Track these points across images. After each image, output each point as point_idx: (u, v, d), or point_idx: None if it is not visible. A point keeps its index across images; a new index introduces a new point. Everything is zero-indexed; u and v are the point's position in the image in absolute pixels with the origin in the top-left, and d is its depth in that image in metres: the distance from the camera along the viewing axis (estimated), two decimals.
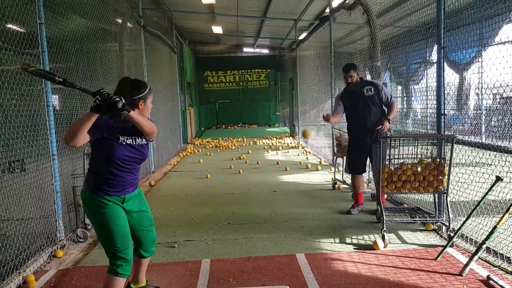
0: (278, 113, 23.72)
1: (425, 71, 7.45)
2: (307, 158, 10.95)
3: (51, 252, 4.26)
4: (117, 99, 2.41)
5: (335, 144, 6.78)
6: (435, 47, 4.80)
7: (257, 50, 23.13)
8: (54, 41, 4.72)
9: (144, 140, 2.86)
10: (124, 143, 2.76)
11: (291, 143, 14.99)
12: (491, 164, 4.60)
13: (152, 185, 7.94)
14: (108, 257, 2.81)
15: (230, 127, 22.89)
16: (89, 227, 4.93)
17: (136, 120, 2.62)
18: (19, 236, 4.02)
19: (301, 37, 15.65)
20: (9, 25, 4.11)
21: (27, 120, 4.24)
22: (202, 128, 21.60)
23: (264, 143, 15.19)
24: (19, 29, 4.17)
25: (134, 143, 2.81)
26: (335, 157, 7.03)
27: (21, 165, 4.99)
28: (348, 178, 7.09)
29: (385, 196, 5.48)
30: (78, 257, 4.31)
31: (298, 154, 11.89)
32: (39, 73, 2.50)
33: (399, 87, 10.26)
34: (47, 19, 4.40)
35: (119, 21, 7.85)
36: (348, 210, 5.49)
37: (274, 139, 16.43)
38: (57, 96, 5.97)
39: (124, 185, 2.81)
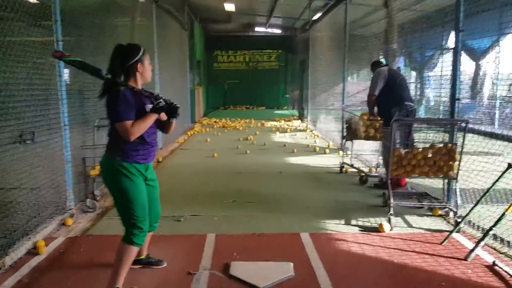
0: (287, 96, 23.56)
1: (441, 58, 7.34)
2: (315, 141, 10.93)
3: (61, 220, 4.33)
4: (177, 105, 2.84)
5: (345, 127, 6.73)
6: (452, 34, 4.71)
7: (269, 30, 22.79)
8: (67, 13, 4.69)
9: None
10: (148, 110, 2.83)
11: (299, 126, 14.95)
12: (502, 153, 4.57)
13: (159, 161, 7.97)
14: (125, 226, 2.86)
15: (238, 108, 22.82)
16: (98, 198, 4.98)
17: (173, 125, 3.01)
18: (30, 203, 4.08)
19: (315, 17, 15.42)
20: None
21: (39, 92, 4.26)
22: (210, 108, 21.57)
23: (272, 125, 15.16)
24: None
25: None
26: (344, 141, 7.01)
27: (32, 135, 5.03)
28: (356, 162, 7.08)
29: (406, 180, 5.45)
30: (86, 226, 4.37)
31: (306, 137, 11.86)
32: (79, 64, 2.72)
33: (413, 73, 10.13)
34: None
35: None
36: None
37: (283, 121, 16.39)
38: (67, 69, 5.98)
39: (151, 151, 2.93)
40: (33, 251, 3.63)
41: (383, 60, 6.31)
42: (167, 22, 10.83)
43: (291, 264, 3.40)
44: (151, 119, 2.79)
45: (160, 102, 2.78)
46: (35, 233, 3.85)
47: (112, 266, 2.88)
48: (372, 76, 5.78)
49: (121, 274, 2.82)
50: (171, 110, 2.84)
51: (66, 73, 4.58)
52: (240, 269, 3.33)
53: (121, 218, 2.90)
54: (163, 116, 2.92)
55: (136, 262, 3.25)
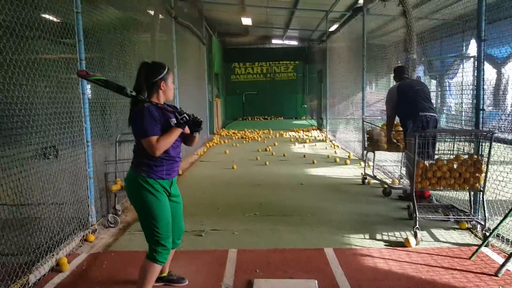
0: (305, 106, 23.52)
1: (461, 65, 7.22)
2: (335, 152, 10.83)
3: (83, 236, 4.36)
4: (201, 119, 2.90)
5: (365, 138, 6.65)
6: (472, 41, 4.62)
7: (286, 41, 22.91)
8: (89, 31, 4.78)
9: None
10: (173, 124, 2.86)
11: (318, 136, 14.86)
12: None
13: (179, 174, 8.00)
14: (149, 243, 2.86)
15: (256, 119, 22.86)
16: (119, 212, 5.01)
17: (196, 139, 3.06)
18: (53, 220, 4.11)
19: (332, 28, 15.41)
20: (46, 15, 4.18)
21: (63, 108, 4.32)
22: (229, 119, 21.65)
23: (290, 135, 15.11)
24: (55, 19, 4.25)
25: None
26: (365, 152, 6.92)
27: (55, 151, 5.10)
28: (378, 173, 6.98)
29: (430, 192, 5.35)
30: (108, 241, 4.39)
31: (326, 148, 11.77)
32: (103, 83, 2.79)
33: (433, 81, 9.99)
34: (83, 9, 4.45)
35: (151, 12, 7.90)
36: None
37: (301, 131, 16.32)
38: (89, 85, 6.08)
39: (175, 165, 2.95)
40: (56, 268, 3.66)
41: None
42: (186, 37, 10.97)
43: (315, 281, 3.34)
44: (176, 133, 2.82)
45: (184, 116, 2.83)
46: (58, 250, 3.88)
47: (135, 283, 2.87)
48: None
49: None
50: (195, 124, 2.90)
51: (89, 89, 4.65)
52: (263, 287, 3.28)
53: (145, 235, 2.89)
54: (186, 130, 2.95)
55: (158, 279, 3.23)
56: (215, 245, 4.25)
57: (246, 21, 16.77)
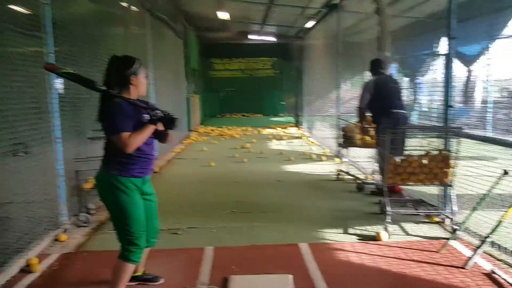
0: (283, 103, 23.58)
1: (433, 63, 7.35)
2: (311, 148, 10.91)
3: (55, 236, 4.27)
4: (175, 116, 2.81)
5: (340, 135, 6.72)
6: (444, 39, 4.72)
7: (264, 37, 22.85)
8: (59, 23, 4.65)
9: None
10: (145, 120, 2.80)
11: (295, 133, 14.94)
12: (497, 158, 4.56)
13: (156, 171, 7.92)
14: (121, 242, 2.81)
15: (235, 116, 22.81)
16: (92, 211, 4.93)
17: (171, 135, 2.96)
18: (22, 219, 4.02)
19: (309, 25, 15.47)
20: (14, 6, 4.07)
21: (31, 104, 4.21)
22: (207, 116, 21.55)
23: (269, 132, 15.14)
24: (22, 10, 4.13)
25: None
26: (340, 148, 6.99)
27: (25, 148, 4.97)
28: (352, 169, 7.06)
29: (401, 187, 5.45)
30: (81, 241, 4.31)
31: (303, 145, 11.85)
32: (72, 76, 2.70)
33: (406, 79, 10.16)
34: (52, 0, 4.33)
35: (125, 4, 7.76)
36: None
37: (279, 128, 16.38)
38: (62, 79, 5.94)
39: (149, 163, 2.88)
40: (26, 269, 3.56)
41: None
42: (162, 31, 10.82)
43: (291, 276, 3.36)
44: (149, 130, 2.75)
45: (158, 113, 2.76)
46: (28, 250, 3.79)
47: (108, 284, 2.84)
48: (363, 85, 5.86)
49: None
50: (169, 121, 2.82)
51: (58, 83, 4.54)
52: (239, 283, 3.28)
53: (117, 234, 2.84)
54: (160, 127, 2.88)
55: (132, 279, 3.19)
56: (192, 243, 4.23)
57: (223, 15, 16.66)
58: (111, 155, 2.79)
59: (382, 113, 5.35)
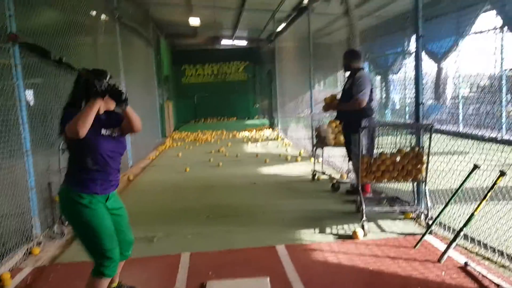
0: (257, 106, 23.66)
1: (403, 62, 7.51)
2: (286, 149, 10.96)
3: (27, 249, 4.15)
4: (122, 89, 2.49)
5: (314, 135, 6.78)
6: (413, 38, 4.81)
7: (236, 42, 22.89)
8: (24, 34, 4.54)
9: (119, 132, 2.77)
10: (107, 135, 2.67)
11: (270, 135, 14.99)
12: (468, 152, 4.67)
13: (130, 179, 7.81)
14: (94, 258, 2.68)
15: (209, 120, 22.76)
16: (66, 223, 4.81)
17: (130, 115, 2.67)
18: None
19: (279, 28, 15.58)
20: None
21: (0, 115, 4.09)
22: (181, 122, 21.40)
23: (243, 135, 15.15)
24: None
25: (115, 135, 2.73)
26: (314, 148, 7.05)
27: None
28: (327, 169, 7.13)
29: (370, 185, 5.51)
30: (55, 254, 4.20)
31: (278, 146, 11.90)
32: (30, 47, 2.46)
33: (378, 77, 10.35)
34: (17, 12, 4.23)
35: (93, 13, 7.65)
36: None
37: (254, 131, 16.41)
38: (31, 91, 5.80)
39: (111, 180, 2.73)
40: None
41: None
42: (132, 39, 10.70)
43: (267, 278, 3.36)
44: (93, 104, 2.48)
45: (103, 84, 2.50)
46: (0, 265, 3.67)
47: None
48: (357, 78, 5.25)
49: None
50: (114, 94, 2.54)
51: (28, 95, 4.42)
52: None
53: (87, 251, 2.70)
54: (111, 105, 2.65)
55: None
56: (167, 250, 4.17)
57: (194, 21, 16.60)
58: (72, 170, 2.68)
59: (365, 114, 5.19)
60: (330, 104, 5.71)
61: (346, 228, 4.53)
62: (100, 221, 2.64)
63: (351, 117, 5.26)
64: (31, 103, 5.61)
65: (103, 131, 2.66)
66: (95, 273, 2.68)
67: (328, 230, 4.53)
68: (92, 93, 2.49)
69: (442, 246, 3.83)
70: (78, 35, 6.61)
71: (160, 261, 3.91)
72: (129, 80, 9.34)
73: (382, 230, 4.44)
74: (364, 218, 4.34)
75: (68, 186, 2.66)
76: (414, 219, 4.72)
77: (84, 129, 2.43)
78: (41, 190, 4.66)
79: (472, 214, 3.53)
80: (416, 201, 4.76)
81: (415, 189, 4.77)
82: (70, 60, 5.77)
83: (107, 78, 2.63)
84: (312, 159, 8.07)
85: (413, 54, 4.76)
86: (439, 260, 3.56)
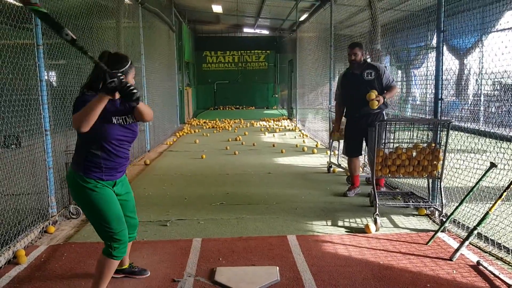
0: (276, 95, 23.58)
1: (426, 56, 7.36)
2: (303, 141, 10.93)
3: (43, 227, 4.26)
4: (134, 90, 2.37)
5: (332, 127, 6.72)
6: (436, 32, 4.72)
7: (257, 30, 22.82)
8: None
9: (132, 119, 2.76)
10: (117, 123, 2.66)
11: (288, 125, 14.95)
12: (486, 151, 4.58)
13: (147, 164, 7.91)
14: (103, 239, 2.74)
15: (228, 108, 22.79)
16: None
17: (141, 110, 2.68)
18: (10, 211, 4.00)
19: (302, 18, 15.44)
20: None
21: (22, 95, 4.18)
22: (200, 109, 21.51)
23: (261, 125, 15.14)
24: (14, 2, 4.08)
25: (125, 123, 2.72)
26: (331, 141, 7.01)
27: (17, 140, 4.93)
28: (343, 161, 7.08)
29: (384, 180, 5.47)
30: (69, 233, 4.31)
31: (295, 137, 11.86)
32: (42, 15, 2.33)
33: (399, 72, 10.18)
34: None
35: None
36: (345, 193, 5.50)
37: (272, 121, 16.38)
38: (54, 72, 5.89)
39: (117, 168, 2.75)
40: (14, 261, 3.56)
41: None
42: (154, 24, 10.76)
43: (277, 268, 3.38)
44: (100, 100, 2.36)
45: (114, 81, 2.29)
46: (15, 242, 3.77)
47: (92, 278, 2.82)
48: (381, 68, 5.33)
49: (102, 287, 2.75)
50: (125, 94, 2.37)
51: (51, 76, 4.50)
52: (225, 274, 3.29)
53: (97, 232, 2.76)
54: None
55: (119, 271, 3.19)
56: (180, 234, 4.23)
57: (217, 8, 16.59)
58: (78, 154, 2.69)
59: (385, 104, 5.30)
60: (379, 97, 5.54)
61: (359, 222, 4.52)
62: (108, 204, 2.67)
63: (376, 110, 5.22)
64: (54, 84, 5.72)
65: (114, 120, 2.64)
66: (105, 253, 2.74)
67: (340, 222, 4.52)
68: (100, 88, 2.34)
69: (455, 244, 3.79)
70: (101, 18, 6.68)
71: (172, 245, 3.96)
72: (150, 65, 9.41)
73: (395, 225, 4.41)
74: (377, 212, 4.31)
75: (74, 170, 2.68)
76: (428, 215, 4.67)
77: (86, 126, 2.40)
78: (59, 170, 4.77)
79: (487, 213, 3.47)
80: (430, 197, 4.70)
81: (430, 185, 4.71)
82: (92, 43, 5.88)
83: (124, 67, 2.63)
84: (328, 151, 8.02)
85: (435, 49, 4.67)
86: (451, 258, 3.52)
